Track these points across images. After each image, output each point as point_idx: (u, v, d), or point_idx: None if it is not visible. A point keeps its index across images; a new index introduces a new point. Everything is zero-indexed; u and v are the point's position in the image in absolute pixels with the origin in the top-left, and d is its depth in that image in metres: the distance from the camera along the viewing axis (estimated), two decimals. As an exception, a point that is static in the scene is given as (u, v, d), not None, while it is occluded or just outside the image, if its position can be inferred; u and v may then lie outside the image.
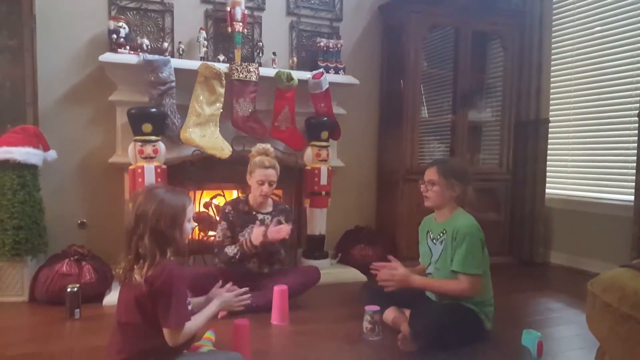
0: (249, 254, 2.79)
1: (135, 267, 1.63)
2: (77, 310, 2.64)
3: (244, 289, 2.13)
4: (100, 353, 2.07)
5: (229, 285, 2.13)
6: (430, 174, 2.45)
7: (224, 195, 3.67)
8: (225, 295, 2.04)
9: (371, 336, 2.38)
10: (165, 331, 1.65)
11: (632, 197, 3.37)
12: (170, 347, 1.69)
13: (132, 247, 1.65)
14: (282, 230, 2.74)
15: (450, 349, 2.20)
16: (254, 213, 2.95)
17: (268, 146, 2.97)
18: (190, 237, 3.35)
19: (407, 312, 2.41)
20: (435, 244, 2.46)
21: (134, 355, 1.65)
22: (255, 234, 2.75)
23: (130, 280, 1.63)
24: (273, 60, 3.67)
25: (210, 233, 3.52)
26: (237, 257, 2.78)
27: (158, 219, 1.65)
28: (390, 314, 2.46)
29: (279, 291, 2.64)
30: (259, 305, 2.62)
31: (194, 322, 1.76)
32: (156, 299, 1.61)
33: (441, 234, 2.42)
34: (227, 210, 2.93)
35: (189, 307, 1.78)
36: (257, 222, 2.90)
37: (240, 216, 2.92)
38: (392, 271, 2.38)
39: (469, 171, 2.54)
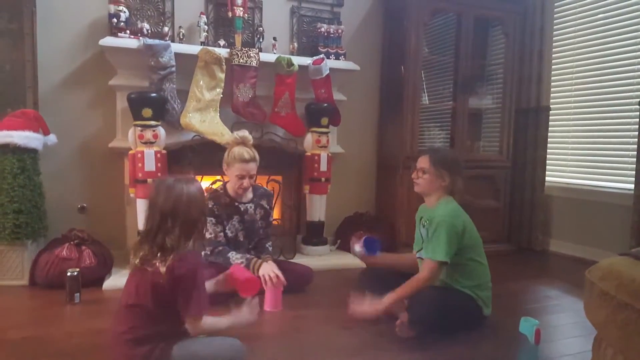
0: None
1: (159, 256, 1.65)
2: (77, 294, 2.64)
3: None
4: (100, 336, 2.09)
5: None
6: (422, 161, 2.50)
7: (223, 181, 3.66)
8: (246, 315, 2.02)
9: None
10: (187, 320, 1.70)
11: (632, 186, 3.38)
12: (173, 332, 1.72)
13: (158, 242, 1.67)
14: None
15: (448, 334, 2.23)
16: (236, 204, 2.86)
17: (246, 134, 2.80)
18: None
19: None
20: (425, 229, 2.51)
21: (139, 338, 1.67)
22: (266, 268, 2.61)
23: (149, 266, 1.65)
24: (273, 46, 3.65)
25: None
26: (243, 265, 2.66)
27: (189, 210, 1.69)
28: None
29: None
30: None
31: (216, 321, 1.80)
32: (177, 287, 1.64)
33: (428, 221, 2.47)
34: (210, 206, 2.76)
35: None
36: (243, 257, 2.76)
37: (223, 209, 2.82)
38: (362, 310, 2.35)
39: (460, 163, 2.57)
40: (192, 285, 1.66)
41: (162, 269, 1.62)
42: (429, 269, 2.30)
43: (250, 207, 2.91)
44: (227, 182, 2.89)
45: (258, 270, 2.61)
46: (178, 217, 1.67)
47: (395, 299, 2.30)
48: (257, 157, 2.78)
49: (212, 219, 2.78)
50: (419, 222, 2.60)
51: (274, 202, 3.19)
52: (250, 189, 2.90)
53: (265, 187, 3.18)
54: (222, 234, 2.81)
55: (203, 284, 1.74)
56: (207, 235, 2.78)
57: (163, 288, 1.64)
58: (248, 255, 2.75)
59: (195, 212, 1.70)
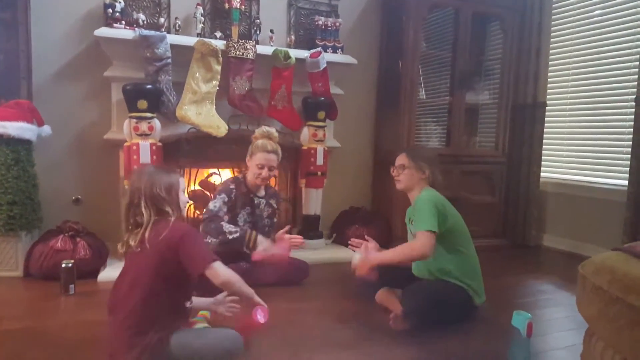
0: (245, 248, 2.69)
1: (136, 233, 1.74)
2: (72, 286, 2.65)
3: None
4: (95, 328, 2.10)
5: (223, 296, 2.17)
6: (401, 159, 2.62)
7: (219, 174, 3.66)
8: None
9: None
10: (207, 274, 1.72)
11: (626, 182, 3.39)
12: (170, 320, 1.73)
13: (132, 220, 1.78)
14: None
15: (442, 326, 2.26)
16: (251, 195, 2.94)
17: (272, 130, 2.95)
18: (185, 214, 3.38)
19: (399, 292, 2.43)
20: (412, 224, 2.55)
21: (139, 324, 1.67)
22: (264, 247, 2.68)
23: (144, 248, 1.71)
24: (270, 38, 3.63)
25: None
26: (232, 238, 2.67)
27: (152, 185, 1.78)
28: (382, 294, 2.48)
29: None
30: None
31: (236, 276, 1.80)
32: (178, 252, 1.70)
33: (414, 210, 2.51)
34: (231, 187, 2.88)
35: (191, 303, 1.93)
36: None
37: (240, 196, 2.89)
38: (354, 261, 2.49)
39: (436, 156, 2.73)
40: (192, 243, 1.73)
41: (143, 243, 1.71)
42: (419, 239, 2.33)
43: (262, 202, 2.98)
44: (247, 172, 2.97)
45: (255, 247, 2.67)
46: (141, 192, 1.78)
47: (385, 259, 2.41)
48: (280, 151, 2.93)
49: (224, 196, 2.83)
50: (408, 223, 2.67)
51: None
52: (264, 186, 3.00)
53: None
54: (224, 211, 2.81)
55: (200, 238, 1.84)
56: (211, 206, 2.81)
57: (166, 259, 1.69)
58: (244, 228, 2.77)
59: (158, 189, 1.78)
